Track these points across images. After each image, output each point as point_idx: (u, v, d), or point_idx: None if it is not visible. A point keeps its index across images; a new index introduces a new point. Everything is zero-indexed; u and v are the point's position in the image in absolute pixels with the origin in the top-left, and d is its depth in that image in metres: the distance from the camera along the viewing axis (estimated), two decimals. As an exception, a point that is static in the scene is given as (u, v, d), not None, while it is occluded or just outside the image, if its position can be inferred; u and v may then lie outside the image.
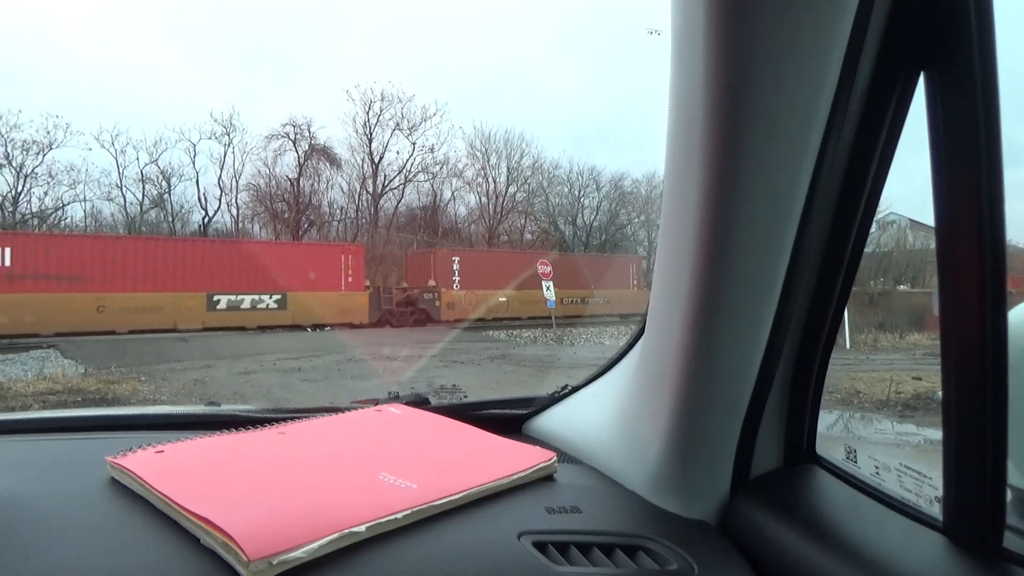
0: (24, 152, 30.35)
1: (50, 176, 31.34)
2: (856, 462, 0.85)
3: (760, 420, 0.84)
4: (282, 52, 47.91)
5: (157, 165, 34.12)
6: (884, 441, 5.31)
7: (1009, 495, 0.64)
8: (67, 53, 41.38)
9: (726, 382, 0.80)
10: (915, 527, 0.69)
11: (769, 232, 0.71)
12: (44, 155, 30.85)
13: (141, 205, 34.34)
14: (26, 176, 30.71)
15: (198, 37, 46.47)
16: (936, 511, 0.68)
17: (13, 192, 30.60)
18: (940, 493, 0.65)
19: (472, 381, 9.86)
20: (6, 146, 29.94)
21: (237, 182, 35.72)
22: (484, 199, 39.49)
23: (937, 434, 0.63)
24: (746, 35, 0.62)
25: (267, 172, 36.17)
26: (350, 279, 22.99)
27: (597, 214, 41.20)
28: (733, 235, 0.70)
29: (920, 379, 7.57)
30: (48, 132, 30.76)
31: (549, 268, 21.82)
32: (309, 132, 36.01)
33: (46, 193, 31.70)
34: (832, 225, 0.74)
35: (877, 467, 0.81)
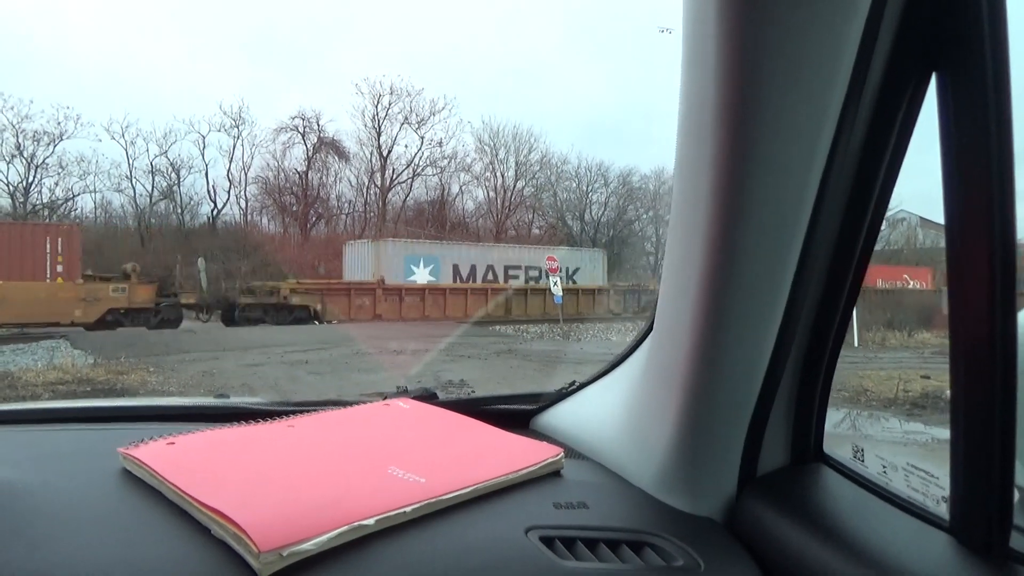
0: (35, 143, 30.56)
1: (61, 167, 31.55)
2: (863, 461, 0.85)
3: (767, 418, 0.84)
4: (291, 45, 48.00)
5: (167, 157, 34.28)
6: (892, 439, 5.29)
7: (1017, 495, 0.64)
8: (78, 44, 41.65)
9: (734, 380, 0.80)
10: (922, 527, 0.69)
11: (779, 231, 0.71)
12: (55, 146, 31.04)
13: (151, 197, 34.51)
14: (37, 167, 30.92)
15: (207, 29, 46.60)
16: (943, 511, 0.68)
17: (24, 182, 30.81)
18: (947, 493, 0.66)
19: (479, 375, 9.87)
20: (17, 136, 30.13)
21: (246, 175, 35.88)
22: (492, 194, 39.56)
23: (945, 433, 0.63)
24: (757, 35, 0.62)
25: (276, 165, 36.35)
26: None
27: (605, 209, 41.11)
28: (743, 234, 0.70)
29: (928, 378, 7.53)
30: (59, 123, 30.93)
31: (557, 263, 21.73)
32: (318, 125, 36.15)
33: (56, 184, 31.92)
34: (842, 225, 0.74)
35: (884, 466, 0.81)
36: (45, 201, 31.78)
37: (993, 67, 0.55)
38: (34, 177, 31.07)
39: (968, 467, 0.61)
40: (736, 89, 0.64)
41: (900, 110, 0.67)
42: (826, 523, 0.75)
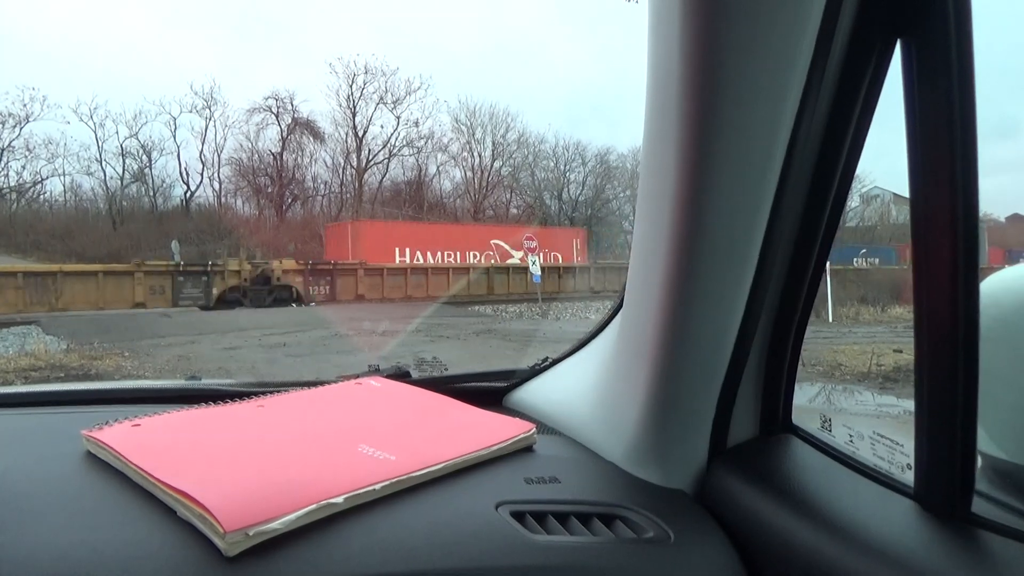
0: (0, 125, 29.84)
1: (28, 150, 30.96)
2: (831, 431, 0.86)
3: (737, 390, 0.85)
4: (264, 23, 47.19)
5: (137, 139, 33.77)
6: (864, 413, 5.38)
7: (979, 461, 0.65)
8: (42, 23, 40.56)
9: (703, 353, 0.81)
10: (887, 494, 0.70)
11: (745, 202, 0.71)
12: (21, 128, 30.38)
13: (122, 179, 33.96)
14: (3, 150, 30.26)
15: (176, 6, 45.60)
16: (908, 478, 0.69)
17: (-10, 166, 30.13)
18: (912, 460, 0.66)
19: (458, 355, 9.87)
20: (-19, 120, 29.39)
21: (219, 156, 35.39)
22: (469, 174, 39.41)
23: (917, 405, 0.64)
24: (721, 2, 0.61)
25: (249, 146, 35.87)
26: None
27: (583, 188, 41.13)
28: (709, 205, 0.70)
29: (901, 351, 7.65)
30: (25, 104, 30.30)
31: (535, 243, 21.74)
32: (292, 105, 35.71)
33: (24, 167, 31.30)
34: (809, 194, 0.74)
35: (851, 436, 0.82)
36: (13, 185, 31.16)
37: (957, 35, 0.55)
38: (0, 160, 30.42)
39: (932, 434, 0.62)
40: (700, 57, 0.63)
41: (865, 77, 0.67)
42: (794, 492, 0.75)
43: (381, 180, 38.10)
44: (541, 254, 26.42)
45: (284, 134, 35.91)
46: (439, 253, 26.75)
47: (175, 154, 34.76)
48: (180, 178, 34.99)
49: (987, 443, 0.69)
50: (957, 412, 0.59)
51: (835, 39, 0.65)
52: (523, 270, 24.59)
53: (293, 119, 35.92)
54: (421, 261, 25.68)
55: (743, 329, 0.80)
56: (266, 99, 35.55)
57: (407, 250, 25.98)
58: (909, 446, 0.67)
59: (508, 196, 40.30)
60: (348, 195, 37.20)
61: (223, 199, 35.81)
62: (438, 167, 39.36)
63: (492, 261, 26.11)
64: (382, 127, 38.52)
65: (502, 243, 27.93)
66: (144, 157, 34.04)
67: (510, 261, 26.45)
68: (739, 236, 0.73)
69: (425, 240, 27.00)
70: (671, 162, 0.70)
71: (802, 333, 0.83)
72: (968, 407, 0.59)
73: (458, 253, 26.90)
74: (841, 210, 0.75)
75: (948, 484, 0.62)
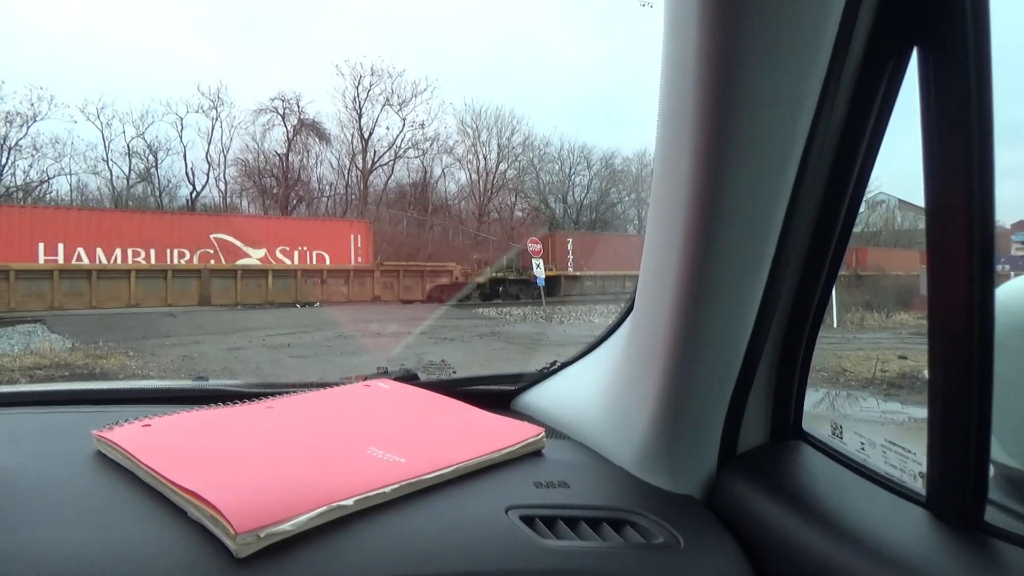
0: (8, 124, 29.89)
1: (35, 149, 30.93)
2: (842, 438, 0.85)
3: (747, 396, 0.85)
4: (271, 25, 47.36)
5: (144, 139, 33.73)
6: (869, 419, 5.36)
7: (992, 471, 0.65)
8: (50, 23, 40.74)
9: (713, 359, 0.80)
10: (899, 502, 0.70)
11: (758, 209, 0.71)
12: (28, 127, 30.43)
13: (128, 179, 34.00)
14: (10, 148, 30.31)
15: (185, 7, 45.76)
16: (920, 486, 0.69)
17: (-3, 164, 30.22)
18: (924, 468, 0.66)
19: (462, 358, 9.85)
20: (-11, 118, 29.47)
21: (225, 157, 35.35)
22: (474, 176, 39.35)
23: (922, 412, 0.64)
24: (738, 8, 0.61)
25: (255, 147, 35.81)
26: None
27: (588, 192, 41.12)
28: (722, 212, 0.70)
29: (906, 358, 7.61)
30: (32, 104, 30.26)
31: (539, 246, 21.66)
32: (298, 107, 35.65)
33: (31, 166, 31.31)
34: (822, 202, 0.74)
35: (862, 443, 0.81)
36: (19, 183, 31.23)
37: (974, 42, 0.55)
38: (7, 159, 30.47)
39: (945, 443, 0.62)
40: (717, 61, 0.63)
41: (881, 85, 0.67)
42: (804, 499, 0.75)
43: (386, 182, 38.14)
44: (314, 253, 23.13)
45: (290, 135, 35.93)
46: (118, 251, 20.15)
47: (181, 154, 34.74)
48: (186, 178, 35.03)
49: (1000, 452, 0.69)
50: (971, 420, 0.59)
51: (852, 46, 0.65)
52: (260, 273, 20.98)
53: (299, 120, 35.94)
54: (86, 261, 19.32)
55: (754, 335, 0.79)
56: (272, 100, 35.53)
57: (60, 246, 19.28)
58: (921, 454, 0.67)
59: (513, 199, 40.32)
60: (353, 196, 37.27)
61: (229, 200, 35.88)
62: (443, 169, 39.35)
63: (211, 262, 20.87)
64: (388, 129, 38.39)
65: (231, 239, 21.86)
66: (150, 157, 34.11)
67: (242, 262, 21.39)
68: (752, 242, 0.73)
69: (101, 234, 20.07)
70: (685, 167, 0.69)
71: (813, 340, 0.83)
72: (982, 416, 0.59)
73: (153, 251, 20.53)
74: (854, 217, 0.75)
75: (961, 493, 0.62)
